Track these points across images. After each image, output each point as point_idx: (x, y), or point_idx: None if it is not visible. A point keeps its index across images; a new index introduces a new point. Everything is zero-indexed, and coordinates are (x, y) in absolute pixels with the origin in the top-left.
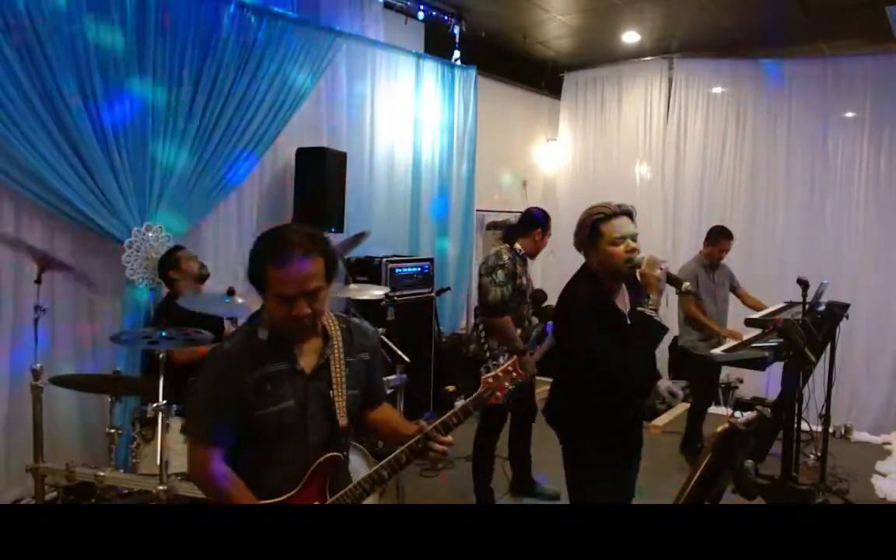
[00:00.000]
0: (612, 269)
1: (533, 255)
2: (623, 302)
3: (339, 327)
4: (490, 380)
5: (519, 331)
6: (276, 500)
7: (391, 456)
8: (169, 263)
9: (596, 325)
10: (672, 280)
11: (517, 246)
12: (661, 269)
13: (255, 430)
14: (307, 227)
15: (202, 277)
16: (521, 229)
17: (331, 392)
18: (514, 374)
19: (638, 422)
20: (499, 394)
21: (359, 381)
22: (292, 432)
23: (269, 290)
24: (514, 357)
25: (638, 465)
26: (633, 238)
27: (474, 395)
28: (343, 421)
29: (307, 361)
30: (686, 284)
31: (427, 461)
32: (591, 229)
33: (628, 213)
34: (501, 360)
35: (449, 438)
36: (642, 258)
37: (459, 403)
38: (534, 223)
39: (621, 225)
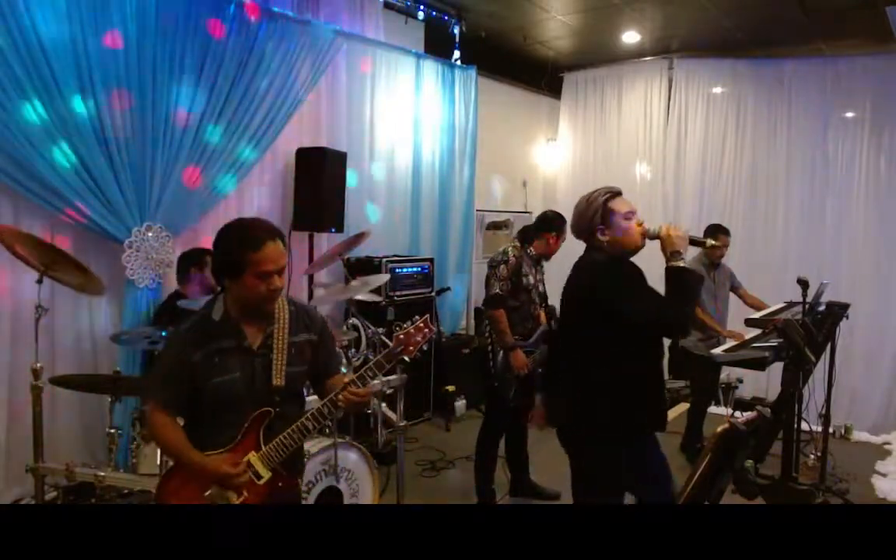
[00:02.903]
0: (629, 243)
1: (546, 257)
2: None
3: (286, 309)
4: (401, 336)
5: (523, 329)
6: (214, 452)
7: (315, 408)
8: (196, 260)
9: (642, 287)
10: (694, 241)
11: (528, 247)
12: (683, 228)
13: (208, 398)
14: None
15: (212, 289)
16: (534, 231)
17: (272, 361)
18: (426, 330)
19: (650, 421)
20: (411, 348)
21: (304, 359)
22: (239, 400)
23: (248, 271)
24: (426, 316)
25: (646, 465)
26: (634, 213)
27: (385, 350)
28: (278, 381)
29: (254, 339)
30: (710, 241)
31: (343, 407)
32: (604, 209)
33: (621, 194)
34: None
35: (361, 389)
36: (660, 226)
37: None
38: (548, 226)
39: (626, 201)
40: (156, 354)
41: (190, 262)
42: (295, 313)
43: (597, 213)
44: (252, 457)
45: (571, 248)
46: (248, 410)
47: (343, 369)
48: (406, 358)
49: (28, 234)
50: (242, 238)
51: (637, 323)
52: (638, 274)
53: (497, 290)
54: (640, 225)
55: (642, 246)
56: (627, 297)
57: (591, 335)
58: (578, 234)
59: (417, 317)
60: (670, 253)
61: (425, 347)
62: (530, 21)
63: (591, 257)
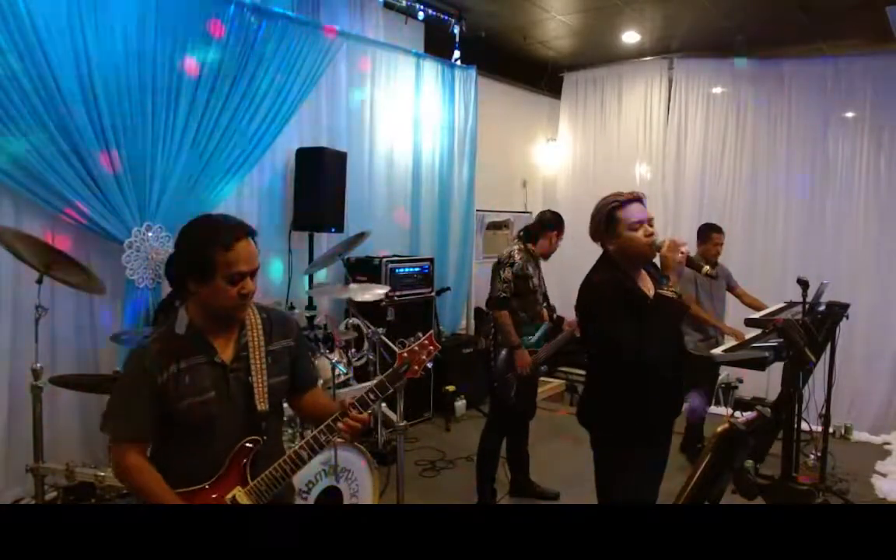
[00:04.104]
0: (633, 253)
1: (546, 256)
2: (646, 286)
3: (258, 317)
4: (405, 354)
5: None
6: (194, 488)
7: (310, 435)
8: None
9: (619, 311)
10: (692, 263)
11: (531, 246)
12: (681, 252)
13: (178, 421)
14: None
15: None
16: (537, 231)
17: (250, 378)
18: (431, 347)
19: (669, 416)
20: (416, 368)
21: (284, 368)
22: (214, 421)
23: (218, 273)
24: (430, 332)
25: (664, 464)
26: (650, 222)
27: (390, 369)
28: (262, 405)
29: (225, 352)
30: (706, 268)
31: (341, 435)
32: (608, 217)
33: (640, 200)
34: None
35: (363, 415)
36: (663, 241)
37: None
38: (550, 226)
39: (637, 210)
40: (114, 381)
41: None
42: (268, 319)
43: (602, 221)
44: (238, 493)
45: (572, 248)
46: (225, 433)
47: (342, 369)
48: (411, 377)
49: (28, 235)
50: (211, 236)
51: (610, 346)
52: (621, 296)
53: (500, 292)
54: (648, 234)
55: (652, 255)
56: (603, 320)
57: (593, 343)
58: (594, 238)
59: (420, 333)
60: (665, 273)
61: (430, 365)
62: (530, 21)
63: (594, 269)
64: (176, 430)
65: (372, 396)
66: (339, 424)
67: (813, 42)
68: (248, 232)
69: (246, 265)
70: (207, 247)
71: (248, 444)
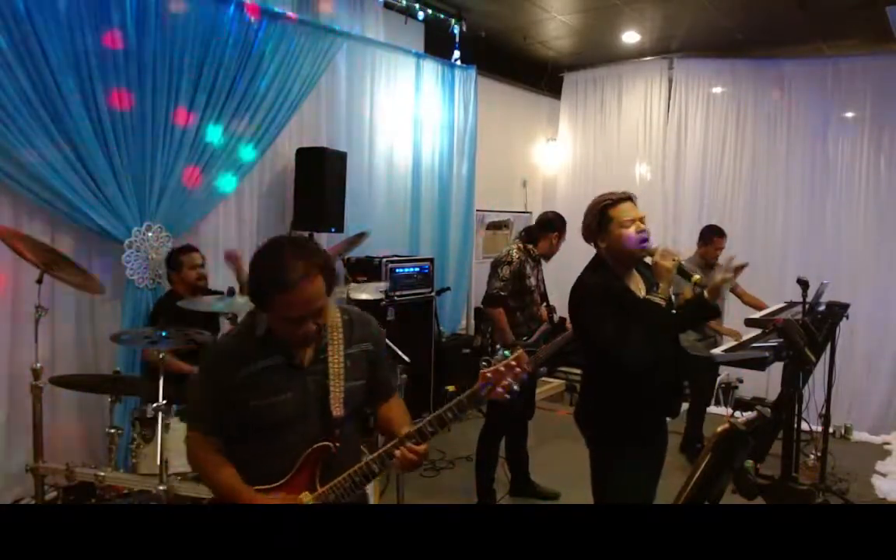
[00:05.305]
0: (624, 252)
1: (547, 257)
2: (636, 286)
3: (340, 318)
4: (488, 374)
5: (528, 329)
6: (265, 486)
7: (379, 451)
8: (171, 263)
9: (608, 312)
10: (683, 272)
11: (530, 247)
12: (673, 260)
13: (253, 422)
14: (303, 240)
15: (198, 289)
16: (537, 232)
17: (328, 382)
18: (518, 369)
19: (663, 417)
20: (499, 390)
21: (362, 373)
22: (289, 424)
23: (276, 312)
24: (521, 351)
25: (661, 465)
26: (642, 221)
27: (470, 389)
28: (337, 411)
29: (304, 355)
30: (696, 277)
31: (396, 464)
32: (601, 216)
33: (631, 199)
34: (502, 353)
35: (420, 447)
36: (656, 248)
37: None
38: (551, 227)
39: (628, 209)
40: (191, 376)
41: (169, 267)
42: (349, 321)
43: (594, 220)
44: (306, 497)
45: (571, 248)
46: (299, 435)
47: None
48: (494, 398)
49: (28, 235)
50: (270, 276)
51: (597, 348)
52: (609, 297)
53: (497, 290)
54: (640, 232)
55: (642, 256)
56: (590, 321)
57: (583, 345)
58: (586, 239)
59: (509, 352)
60: (656, 280)
61: (516, 387)
62: (530, 21)
63: (584, 270)
64: (250, 429)
65: (450, 415)
66: (396, 453)
67: (813, 42)
68: (317, 268)
69: (305, 308)
70: (267, 283)
71: (320, 449)
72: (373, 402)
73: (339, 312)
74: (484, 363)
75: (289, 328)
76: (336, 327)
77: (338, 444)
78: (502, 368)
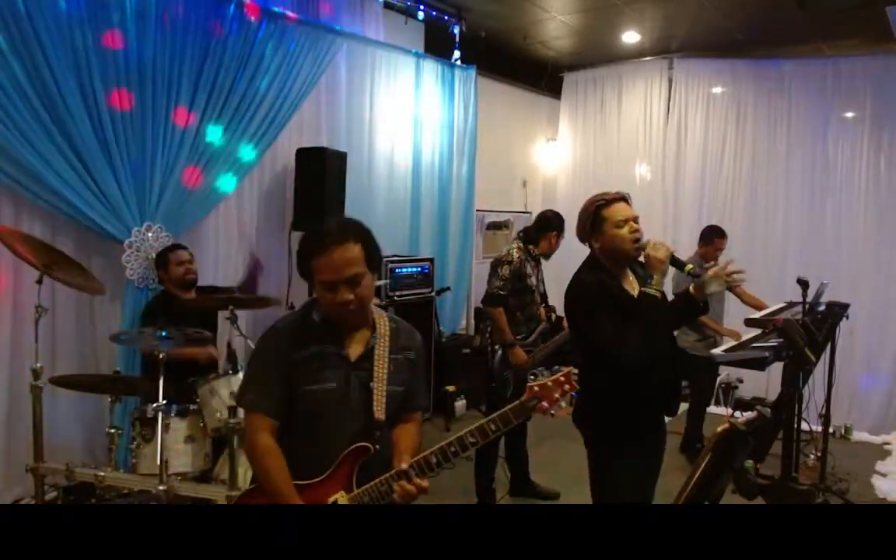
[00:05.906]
0: (618, 251)
1: (547, 256)
2: (630, 285)
3: (388, 325)
4: (536, 388)
5: (527, 329)
6: (301, 482)
7: (376, 482)
8: (159, 263)
9: (603, 311)
10: (676, 262)
11: (531, 246)
12: (665, 250)
13: (298, 407)
14: (346, 217)
15: (187, 284)
16: (537, 231)
17: (371, 384)
18: (567, 386)
19: (660, 416)
20: (546, 404)
21: (402, 379)
22: (330, 416)
23: (314, 279)
24: (569, 369)
25: (659, 464)
26: (635, 220)
27: (517, 402)
28: (380, 414)
29: (353, 349)
30: (690, 266)
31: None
32: (594, 216)
33: (625, 199)
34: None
35: (422, 483)
36: (648, 241)
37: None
38: (550, 226)
39: (622, 208)
40: (250, 359)
41: (157, 266)
42: (396, 330)
43: (588, 220)
44: (341, 497)
45: (571, 249)
46: (340, 432)
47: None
48: (541, 412)
49: (28, 235)
50: (308, 241)
51: (593, 346)
52: (603, 296)
53: (497, 289)
54: (634, 231)
55: (636, 255)
56: (585, 320)
57: (579, 344)
58: (580, 239)
59: (559, 366)
60: (649, 272)
61: (563, 404)
62: (530, 21)
63: (578, 269)
64: (295, 417)
65: (493, 427)
66: (395, 486)
67: (813, 42)
68: (351, 235)
69: (333, 274)
70: (305, 252)
71: (360, 449)
72: (399, 411)
73: (388, 321)
74: (531, 377)
75: (326, 297)
76: (384, 335)
77: (377, 447)
78: (550, 383)
